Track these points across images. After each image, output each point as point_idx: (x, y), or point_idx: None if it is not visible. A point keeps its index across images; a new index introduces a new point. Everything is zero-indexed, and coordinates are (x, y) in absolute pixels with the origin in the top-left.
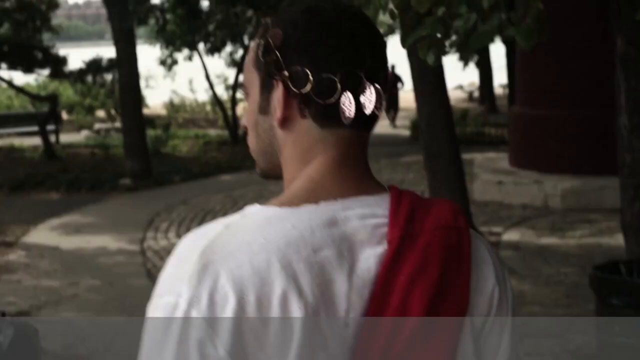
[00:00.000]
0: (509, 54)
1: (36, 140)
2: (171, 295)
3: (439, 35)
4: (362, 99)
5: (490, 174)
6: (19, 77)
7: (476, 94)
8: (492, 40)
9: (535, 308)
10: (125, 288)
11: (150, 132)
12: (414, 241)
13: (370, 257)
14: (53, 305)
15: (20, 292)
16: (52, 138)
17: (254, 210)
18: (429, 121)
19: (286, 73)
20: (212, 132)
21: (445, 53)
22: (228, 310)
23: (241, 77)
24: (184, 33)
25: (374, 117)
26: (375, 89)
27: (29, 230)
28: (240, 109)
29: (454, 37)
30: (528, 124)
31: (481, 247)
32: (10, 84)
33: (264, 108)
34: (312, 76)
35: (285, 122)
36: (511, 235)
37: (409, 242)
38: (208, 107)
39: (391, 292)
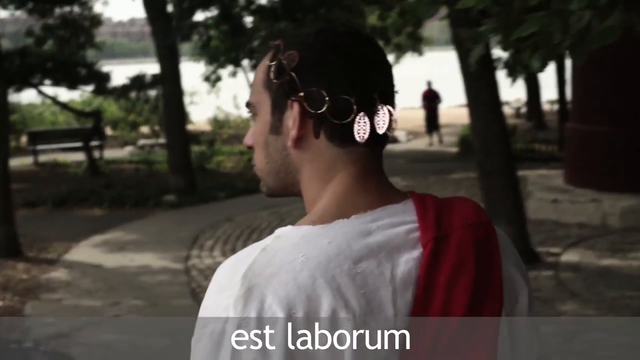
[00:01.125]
0: (559, 69)
1: (80, 156)
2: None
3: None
4: (376, 119)
5: (545, 192)
6: (64, 94)
7: (523, 110)
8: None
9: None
10: (169, 308)
11: (195, 148)
12: (447, 241)
13: (409, 261)
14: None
15: (60, 312)
16: (96, 154)
17: (287, 231)
18: (484, 138)
19: (302, 94)
20: None
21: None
22: (278, 329)
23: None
24: (227, 49)
25: (386, 137)
26: (388, 110)
27: (72, 247)
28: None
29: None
30: (584, 141)
31: (503, 240)
32: (54, 100)
33: (276, 128)
34: (328, 97)
35: (299, 141)
36: (570, 256)
37: (443, 242)
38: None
39: (433, 292)
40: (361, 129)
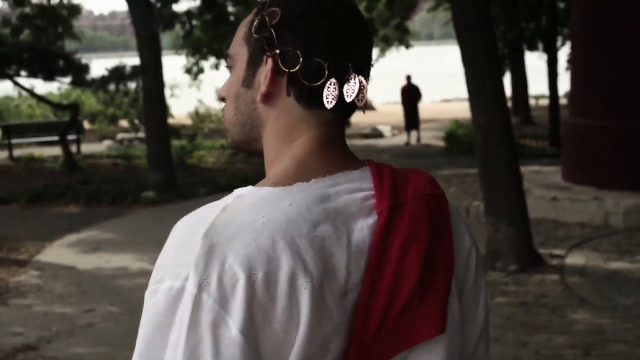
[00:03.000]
0: (550, 61)
1: (57, 151)
2: (175, 280)
3: None
4: (345, 87)
5: (544, 190)
6: (41, 86)
7: (508, 104)
8: None
9: (619, 347)
10: None
11: (175, 143)
12: (401, 210)
13: (363, 229)
14: (64, 337)
15: (30, 319)
16: (73, 148)
17: (247, 191)
18: (486, 132)
19: (278, 51)
20: None
21: None
22: (238, 289)
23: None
24: (210, 40)
25: (353, 106)
26: (360, 80)
27: (44, 247)
28: None
29: None
30: (585, 136)
31: (455, 213)
32: (30, 92)
33: (248, 81)
34: (302, 58)
35: (268, 97)
36: (575, 259)
37: (397, 212)
38: None
39: (386, 260)
40: (330, 94)
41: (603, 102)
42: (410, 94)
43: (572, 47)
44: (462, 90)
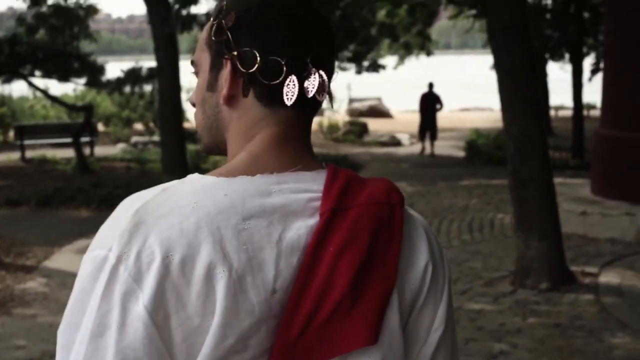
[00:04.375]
0: (575, 72)
1: (70, 153)
2: (102, 249)
3: None
4: (306, 83)
5: (572, 204)
6: (56, 87)
7: None
8: None
9: None
10: None
11: (190, 147)
12: (345, 214)
13: (301, 228)
14: None
15: (34, 331)
16: (87, 150)
17: (192, 178)
18: (519, 143)
19: (235, 53)
20: None
21: None
22: (153, 268)
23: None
24: None
25: (316, 102)
26: (320, 75)
27: (53, 252)
28: None
29: None
30: (615, 148)
31: (416, 224)
32: (44, 92)
33: (212, 85)
34: (260, 58)
35: (230, 99)
36: (609, 277)
37: (340, 215)
38: None
39: (319, 262)
40: (289, 91)
41: (636, 113)
42: (430, 102)
43: (605, 57)
44: (480, 100)
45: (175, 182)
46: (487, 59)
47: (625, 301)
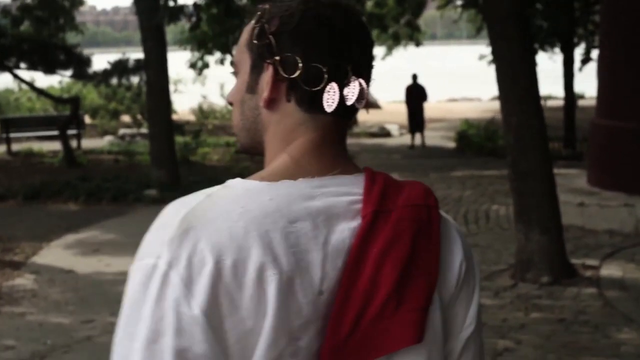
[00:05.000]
0: (566, 62)
1: (56, 146)
2: (151, 257)
3: None
4: (345, 90)
5: (569, 195)
6: (42, 79)
7: None
8: None
9: None
10: None
11: (179, 139)
12: (387, 216)
13: (345, 230)
14: (60, 353)
15: (23, 330)
16: (74, 143)
17: (235, 183)
18: (519, 134)
19: (278, 58)
20: None
21: None
22: (205, 272)
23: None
24: (217, 35)
25: (354, 108)
26: (359, 83)
27: (41, 247)
28: None
29: None
30: (612, 138)
31: (450, 225)
32: (30, 84)
33: (252, 87)
34: (302, 64)
35: (270, 103)
36: (611, 270)
37: (382, 217)
38: None
39: (364, 263)
40: (330, 98)
41: (633, 102)
42: (416, 94)
43: (601, 46)
44: (467, 90)
45: (218, 187)
46: (473, 49)
47: (630, 295)
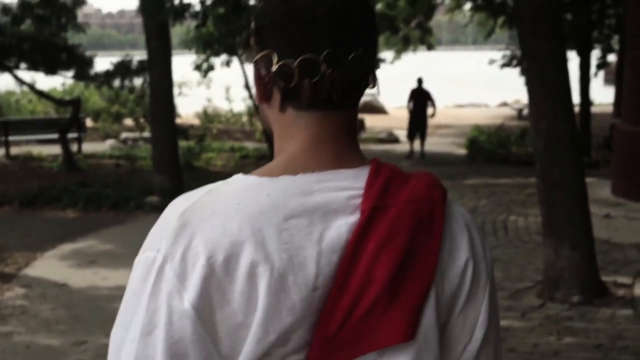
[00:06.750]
0: (583, 65)
1: (57, 149)
2: (151, 250)
3: None
4: (320, 84)
5: (594, 206)
6: (43, 81)
7: (525, 111)
8: None
9: None
10: None
11: (182, 144)
12: (385, 212)
13: (342, 226)
14: None
15: (8, 353)
16: (74, 147)
17: (236, 178)
18: (549, 140)
19: (259, 56)
20: (249, 145)
21: None
22: (197, 267)
23: None
24: (222, 36)
25: (346, 101)
26: (331, 75)
27: (35, 258)
28: None
29: None
30: None
31: (458, 220)
32: (30, 86)
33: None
34: (277, 61)
35: (267, 102)
36: None
37: (381, 213)
38: (244, 118)
39: (359, 259)
40: (304, 93)
41: None
42: (420, 99)
43: (627, 49)
44: (474, 96)
45: (220, 183)
46: (479, 55)
47: None
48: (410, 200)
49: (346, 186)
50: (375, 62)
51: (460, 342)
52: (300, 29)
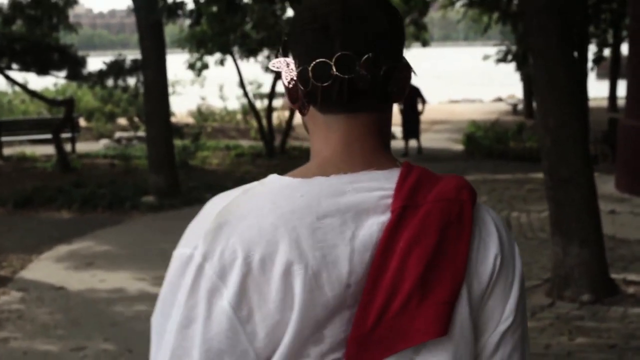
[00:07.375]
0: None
1: (50, 149)
2: (189, 247)
3: None
4: (332, 88)
5: (599, 202)
6: (36, 81)
7: (520, 106)
8: None
9: None
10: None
11: (177, 143)
12: (415, 211)
13: (373, 225)
14: None
15: None
16: (68, 147)
17: (272, 179)
18: (558, 137)
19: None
20: (244, 142)
21: None
22: (235, 266)
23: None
24: (216, 34)
25: (371, 101)
26: (339, 80)
27: (31, 260)
28: (275, 117)
29: None
30: None
31: (487, 219)
32: (22, 86)
33: None
34: (296, 68)
35: (299, 107)
36: None
37: (411, 212)
38: (239, 116)
39: (390, 258)
40: (318, 97)
41: None
42: (411, 95)
43: (630, 44)
44: (467, 92)
45: (255, 183)
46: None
47: None
48: (439, 199)
49: (377, 187)
50: (398, 64)
51: (485, 334)
52: (315, 35)
